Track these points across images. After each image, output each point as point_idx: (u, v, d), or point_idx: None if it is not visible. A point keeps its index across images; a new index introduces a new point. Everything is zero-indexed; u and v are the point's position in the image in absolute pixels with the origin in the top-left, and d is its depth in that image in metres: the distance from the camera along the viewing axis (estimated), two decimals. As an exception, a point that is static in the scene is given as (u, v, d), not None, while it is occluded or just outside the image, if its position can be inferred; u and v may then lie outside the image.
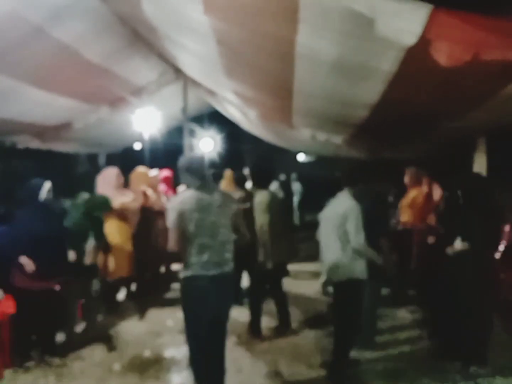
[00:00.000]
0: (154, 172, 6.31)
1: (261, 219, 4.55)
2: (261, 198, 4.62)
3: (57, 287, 4.04)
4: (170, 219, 3.12)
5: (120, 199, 5.26)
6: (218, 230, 3.17)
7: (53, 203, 4.40)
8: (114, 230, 5.20)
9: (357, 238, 3.58)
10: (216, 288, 3.12)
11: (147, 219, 5.77)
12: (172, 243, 3.14)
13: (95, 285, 4.61)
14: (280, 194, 6.52)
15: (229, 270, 3.20)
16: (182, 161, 3.30)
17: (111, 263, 5.19)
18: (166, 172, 6.97)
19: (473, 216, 3.74)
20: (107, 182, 5.36)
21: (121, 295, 5.79)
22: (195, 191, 3.18)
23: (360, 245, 3.60)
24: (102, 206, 4.68)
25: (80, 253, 4.44)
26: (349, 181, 3.81)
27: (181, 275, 3.21)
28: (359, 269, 3.67)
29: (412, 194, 5.48)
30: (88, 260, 4.52)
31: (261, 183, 4.79)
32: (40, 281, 3.88)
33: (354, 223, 3.60)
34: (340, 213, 3.65)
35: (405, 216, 5.48)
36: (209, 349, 3.21)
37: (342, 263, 3.67)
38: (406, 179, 5.61)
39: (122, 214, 5.31)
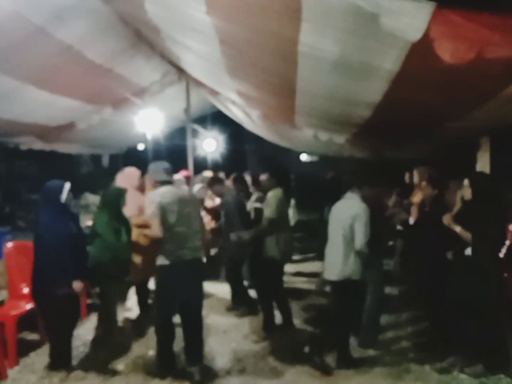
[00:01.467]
0: (180, 174, 6.38)
1: (274, 214, 4.62)
2: (276, 193, 4.73)
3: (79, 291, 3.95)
4: (153, 210, 3.60)
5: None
6: (192, 220, 3.78)
7: (73, 204, 4.39)
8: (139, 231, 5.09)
9: (363, 240, 3.69)
10: (191, 270, 3.71)
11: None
12: (156, 230, 3.59)
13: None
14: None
15: (200, 254, 3.88)
16: (156, 164, 3.95)
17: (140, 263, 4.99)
18: (185, 173, 7.14)
19: (484, 215, 3.72)
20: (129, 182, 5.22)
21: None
22: (171, 187, 3.77)
23: (364, 247, 3.70)
24: (119, 197, 4.54)
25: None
26: (358, 183, 3.88)
27: (161, 262, 3.65)
28: (357, 269, 3.78)
29: (421, 193, 5.39)
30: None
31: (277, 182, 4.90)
32: (65, 286, 3.76)
33: (362, 225, 3.69)
34: (349, 214, 3.73)
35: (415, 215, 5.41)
36: (189, 323, 3.85)
37: (343, 263, 3.75)
38: (416, 178, 5.56)
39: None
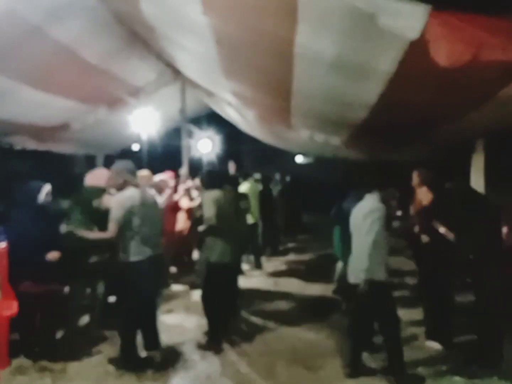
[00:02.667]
0: (164, 175, 6.38)
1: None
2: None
3: (55, 289, 4.03)
4: (116, 213, 3.75)
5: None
6: (155, 221, 4.01)
7: (51, 205, 4.38)
8: None
9: (379, 239, 3.64)
10: (154, 266, 3.92)
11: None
12: (111, 233, 3.78)
13: (100, 286, 4.58)
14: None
15: (161, 251, 4.11)
16: (121, 163, 4.01)
17: None
18: (169, 174, 7.07)
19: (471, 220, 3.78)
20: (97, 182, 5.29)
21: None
22: (135, 189, 3.89)
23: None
24: (95, 195, 4.63)
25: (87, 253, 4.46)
26: (376, 184, 3.87)
27: (126, 259, 3.82)
28: (383, 271, 3.70)
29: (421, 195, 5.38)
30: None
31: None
32: (37, 285, 3.86)
33: (381, 225, 3.66)
34: (374, 217, 3.68)
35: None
36: (147, 314, 4.05)
37: (368, 265, 3.67)
38: (415, 180, 5.53)
39: None
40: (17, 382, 3.79)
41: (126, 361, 3.95)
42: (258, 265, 7.79)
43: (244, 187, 7.42)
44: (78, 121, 7.07)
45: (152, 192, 4.18)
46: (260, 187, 8.67)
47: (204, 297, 4.62)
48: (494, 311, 3.82)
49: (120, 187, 3.92)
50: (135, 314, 3.98)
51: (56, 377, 3.85)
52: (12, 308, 4.22)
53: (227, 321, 4.81)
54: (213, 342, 4.46)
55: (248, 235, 6.72)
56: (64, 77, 5.23)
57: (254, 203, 7.37)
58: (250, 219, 7.02)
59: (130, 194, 3.86)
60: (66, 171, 11.59)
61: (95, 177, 5.03)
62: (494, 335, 3.87)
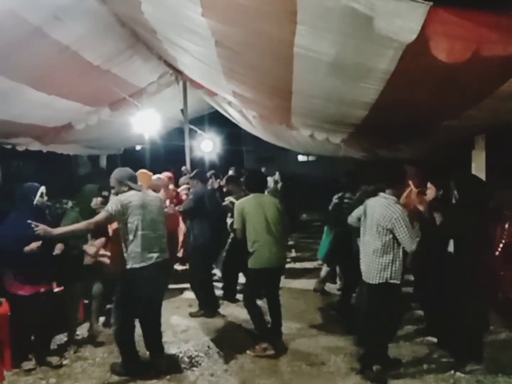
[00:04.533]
0: (162, 174, 6.44)
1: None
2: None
3: (53, 290, 4.15)
4: (111, 206, 3.70)
5: None
6: (158, 225, 3.91)
7: (47, 207, 4.43)
8: None
9: (414, 240, 3.56)
10: (158, 272, 3.82)
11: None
12: (95, 223, 3.70)
13: (97, 285, 4.60)
14: None
15: (167, 256, 3.97)
16: (122, 171, 3.99)
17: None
18: (168, 174, 7.13)
19: (467, 215, 3.78)
20: None
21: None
22: (136, 192, 3.86)
23: (416, 246, 3.57)
24: (93, 194, 4.70)
25: (80, 254, 4.48)
26: (390, 183, 3.80)
27: (130, 265, 3.73)
28: (398, 273, 3.67)
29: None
30: (90, 260, 4.55)
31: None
32: (31, 286, 3.91)
33: (404, 225, 3.57)
34: (389, 217, 3.60)
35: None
36: (150, 319, 3.99)
37: (383, 265, 3.65)
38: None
39: None
40: (21, 382, 3.84)
41: (127, 367, 3.90)
42: None
43: None
44: (81, 122, 7.11)
45: (151, 193, 4.07)
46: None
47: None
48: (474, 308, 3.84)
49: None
50: (131, 321, 3.90)
51: (61, 377, 3.89)
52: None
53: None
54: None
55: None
56: (67, 79, 5.26)
57: None
58: None
59: (130, 194, 3.82)
60: (69, 171, 11.65)
61: None
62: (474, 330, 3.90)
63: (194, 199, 5.39)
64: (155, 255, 3.79)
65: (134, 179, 3.96)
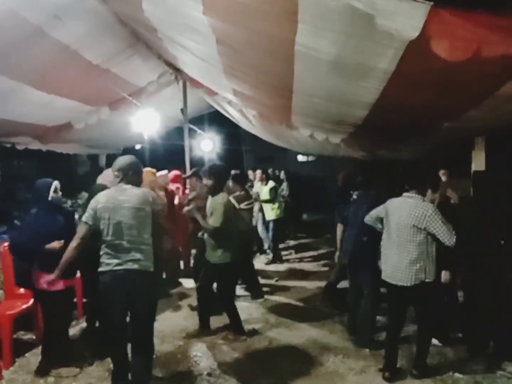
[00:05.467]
0: (163, 172, 6.48)
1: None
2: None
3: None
4: (85, 214, 3.36)
5: None
6: (130, 230, 3.31)
7: (62, 202, 4.41)
8: None
9: (452, 236, 3.52)
10: (115, 282, 3.28)
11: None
12: (76, 240, 3.36)
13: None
14: None
15: (137, 267, 3.30)
16: (116, 160, 3.57)
17: None
18: (175, 172, 7.22)
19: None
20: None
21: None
22: (108, 191, 3.47)
23: (453, 243, 3.53)
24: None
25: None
26: (418, 184, 3.77)
27: (99, 269, 3.33)
28: (432, 271, 3.64)
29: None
30: None
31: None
32: (63, 280, 3.82)
33: (442, 223, 3.53)
34: (420, 216, 3.57)
35: None
36: (135, 342, 3.39)
37: (417, 266, 3.60)
38: None
39: None
40: (20, 381, 3.84)
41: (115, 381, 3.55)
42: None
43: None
44: (81, 121, 7.11)
45: (132, 191, 3.44)
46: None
47: None
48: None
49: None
50: (114, 335, 3.45)
51: (59, 377, 3.88)
52: (15, 307, 4.29)
53: None
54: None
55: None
56: (67, 78, 5.25)
57: None
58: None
59: (102, 194, 3.42)
60: (69, 170, 11.65)
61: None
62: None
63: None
64: (114, 261, 3.29)
65: (124, 170, 3.47)
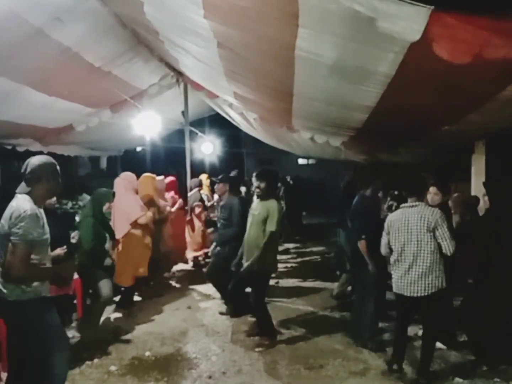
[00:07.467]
0: (160, 177, 6.50)
1: None
2: None
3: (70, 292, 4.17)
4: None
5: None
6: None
7: (56, 207, 4.42)
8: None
9: (453, 243, 3.54)
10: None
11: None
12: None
13: (109, 288, 4.58)
14: None
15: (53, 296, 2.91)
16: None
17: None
18: (171, 178, 7.19)
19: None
20: (130, 185, 5.51)
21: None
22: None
23: (452, 251, 3.55)
24: (106, 198, 4.72)
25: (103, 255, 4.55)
26: (416, 191, 3.76)
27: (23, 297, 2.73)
28: (444, 278, 3.63)
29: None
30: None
31: None
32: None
33: (445, 226, 3.55)
34: (430, 223, 3.56)
35: None
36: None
37: (432, 275, 3.58)
38: None
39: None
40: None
41: None
42: None
43: None
44: (82, 124, 7.13)
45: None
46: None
47: None
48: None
49: None
50: None
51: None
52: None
53: None
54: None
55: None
56: (68, 80, 5.27)
57: None
58: None
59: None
60: (70, 172, 11.66)
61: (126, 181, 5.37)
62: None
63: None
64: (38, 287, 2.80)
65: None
